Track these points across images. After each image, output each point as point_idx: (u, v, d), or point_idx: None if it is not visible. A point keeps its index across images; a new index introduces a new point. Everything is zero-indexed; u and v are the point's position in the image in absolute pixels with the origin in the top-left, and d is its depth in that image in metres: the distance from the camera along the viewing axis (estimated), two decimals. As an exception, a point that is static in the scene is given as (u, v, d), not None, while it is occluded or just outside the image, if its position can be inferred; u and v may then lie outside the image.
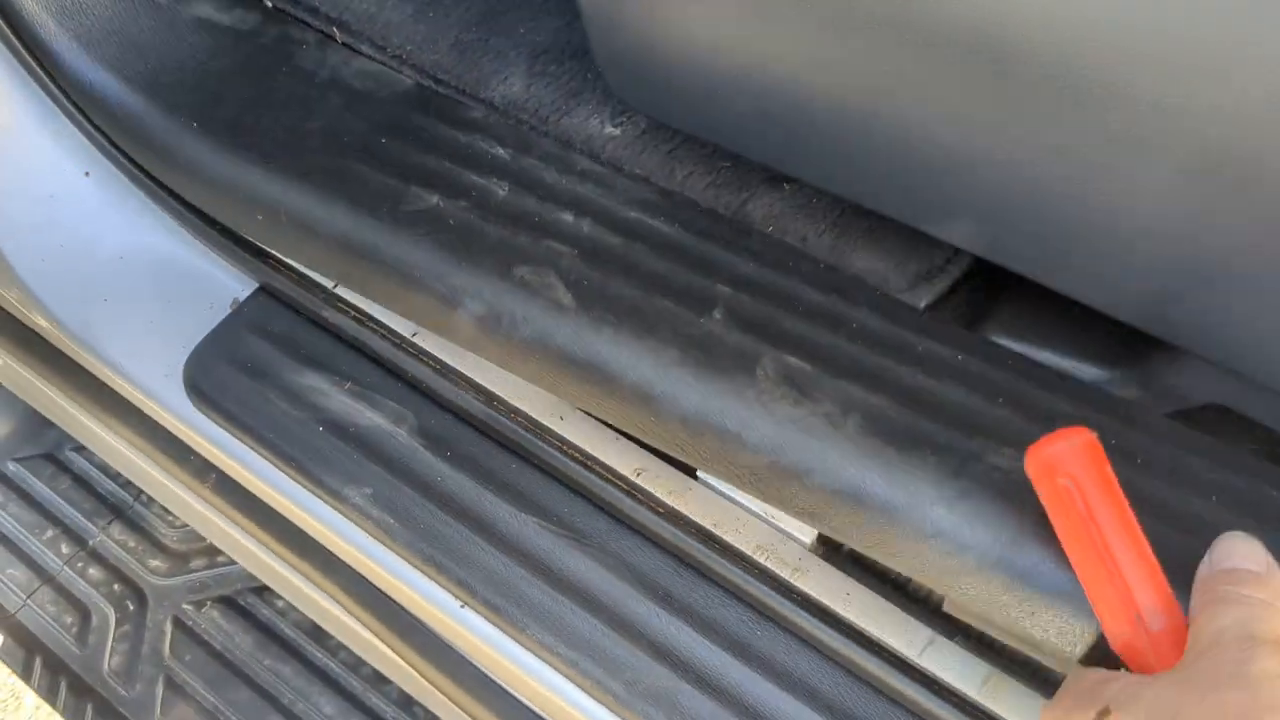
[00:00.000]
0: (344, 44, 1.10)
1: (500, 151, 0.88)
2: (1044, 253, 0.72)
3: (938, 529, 0.66)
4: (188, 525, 1.24)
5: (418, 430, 0.89)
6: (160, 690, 1.14)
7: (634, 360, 0.75)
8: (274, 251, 0.96)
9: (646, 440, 0.79)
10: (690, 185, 0.95)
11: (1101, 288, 0.71)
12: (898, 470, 0.68)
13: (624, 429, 0.80)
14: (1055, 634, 0.65)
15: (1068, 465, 0.59)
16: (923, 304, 0.87)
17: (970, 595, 0.67)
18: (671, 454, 0.78)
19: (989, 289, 0.88)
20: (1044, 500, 0.61)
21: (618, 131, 0.99)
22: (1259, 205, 0.58)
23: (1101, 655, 0.62)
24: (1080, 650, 0.65)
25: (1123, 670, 0.58)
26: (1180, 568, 0.59)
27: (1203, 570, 0.58)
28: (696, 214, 0.86)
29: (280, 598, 1.19)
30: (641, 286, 0.78)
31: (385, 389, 0.91)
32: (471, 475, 0.87)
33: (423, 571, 0.84)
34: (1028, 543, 0.64)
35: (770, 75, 0.78)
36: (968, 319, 0.87)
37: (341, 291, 0.95)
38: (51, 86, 0.98)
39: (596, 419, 0.87)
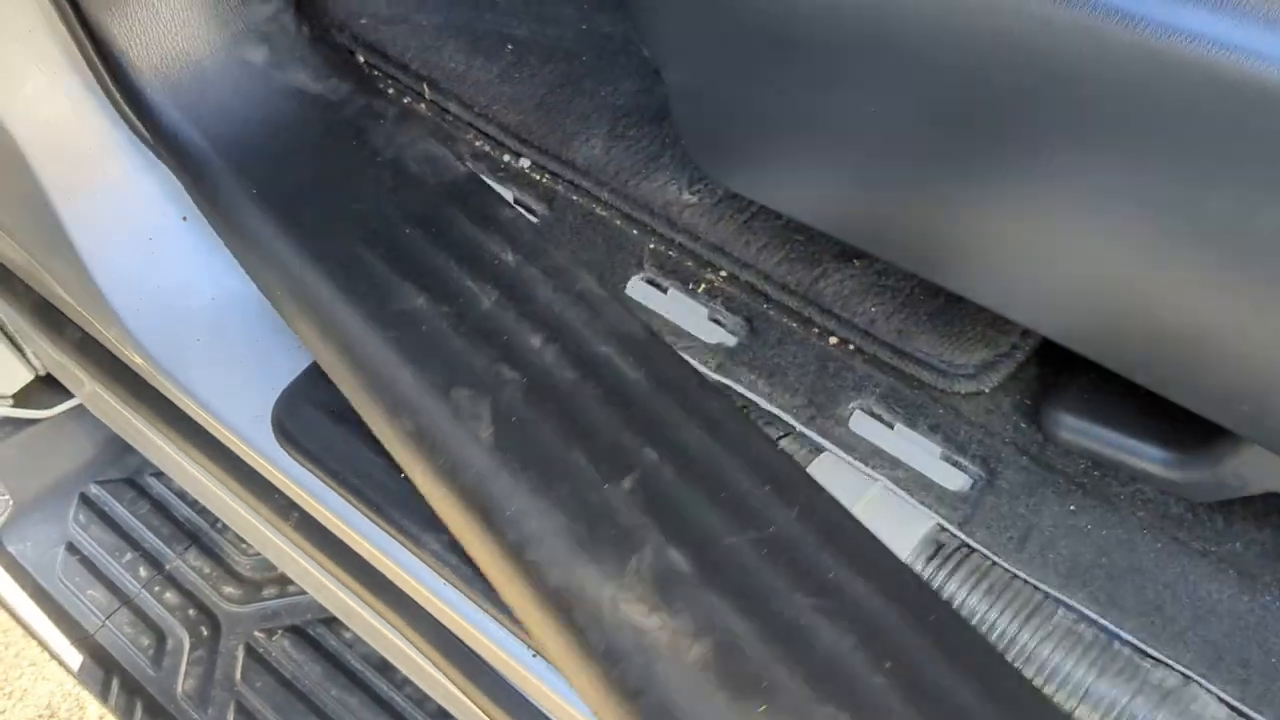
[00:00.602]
0: (431, 100, 1.15)
1: (509, 257, 0.90)
2: (1122, 346, 0.74)
3: None
4: (260, 554, 1.29)
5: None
6: (232, 715, 1.18)
7: (521, 515, 0.75)
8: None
9: (513, 609, 0.78)
10: (763, 259, 0.98)
11: (1177, 382, 0.73)
12: None
13: (496, 586, 0.79)
14: None
15: None
16: (989, 387, 0.90)
17: None
18: (528, 627, 0.77)
19: (1055, 369, 0.90)
20: None
21: (694, 199, 1.03)
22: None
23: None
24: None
25: None
26: None
27: None
28: (669, 360, 0.85)
29: (349, 629, 1.23)
30: (567, 436, 0.78)
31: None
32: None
33: (497, 620, 0.87)
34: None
35: (851, 154, 0.81)
36: (1032, 398, 0.90)
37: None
38: (149, 137, 1.03)
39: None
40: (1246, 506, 0.82)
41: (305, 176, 0.98)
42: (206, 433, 1.06)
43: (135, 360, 1.09)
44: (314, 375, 1.00)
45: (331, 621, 1.24)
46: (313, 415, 0.98)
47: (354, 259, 0.91)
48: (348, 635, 1.23)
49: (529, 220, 0.95)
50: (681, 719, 0.68)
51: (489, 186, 1.00)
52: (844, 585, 0.73)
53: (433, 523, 0.91)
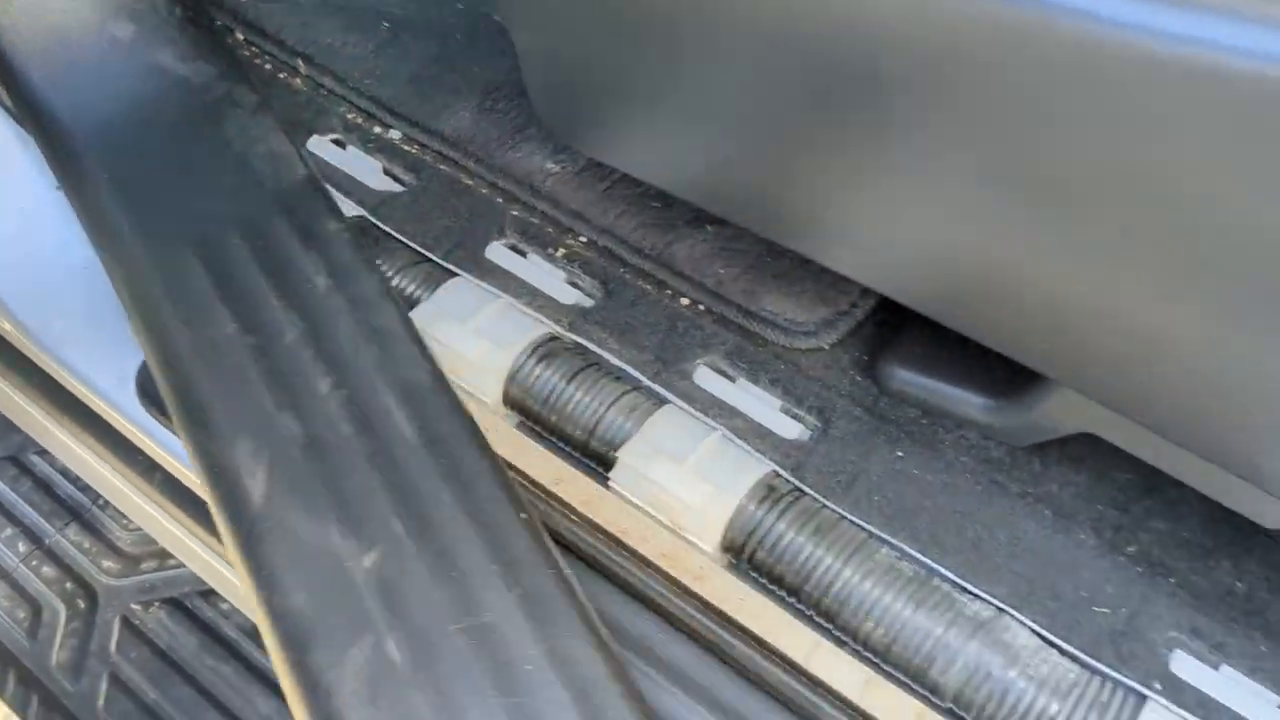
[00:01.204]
0: (307, 75, 1.17)
1: (320, 281, 0.90)
2: (950, 299, 0.78)
3: None
4: (140, 529, 1.29)
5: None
6: (104, 685, 1.19)
7: (270, 588, 0.76)
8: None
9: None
10: (620, 225, 1.01)
11: (997, 330, 0.77)
12: None
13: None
14: None
15: None
16: (828, 344, 0.94)
17: None
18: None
19: (889, 326, 0.94)
20: None
21: (557, 168, 1.06)
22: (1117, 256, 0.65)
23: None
24: None
25: None
26: None
27: None
28: (446, 413, 0.85)
29: (224, 601, 1.24)
30: (327, 505, 0.79)
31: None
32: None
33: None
34: None
35: (695, 115, 0.84)
36: (868, 353, 0.93)
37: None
38: (14, 106, 1.04)
39: (521, 429, 0.92)
40: (1063, 451, 0.86)
41: (158, 161, 0.99)
42: (75, 398, 1.07)
43: (5, 328, 1.10)
44: (179, 338, 1.01)
45: (209, 594, 1.25)
46: (175, 377, 0.99)
47: (183, 268, 0.91)
48: (224, 607, 1.24)
49: (348, 239, 0.95)
50: None
51: (322, 192, 0.99)
52: (534, 678, 0.73)
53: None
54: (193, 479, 0.97)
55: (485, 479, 0.81)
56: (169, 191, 0.96)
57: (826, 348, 0.93)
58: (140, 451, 1.03)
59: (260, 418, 0.83)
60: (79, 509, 1.33)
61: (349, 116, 1.14)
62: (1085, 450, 0.86)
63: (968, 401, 0.87)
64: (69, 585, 1.27)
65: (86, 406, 1.06)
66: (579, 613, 0.75)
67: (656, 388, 0.91)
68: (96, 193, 0.94)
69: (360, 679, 0.72)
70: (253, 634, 1.23)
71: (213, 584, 1.16)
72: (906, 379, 0.89)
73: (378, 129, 1.13)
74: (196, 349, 0.86)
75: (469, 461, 0.82)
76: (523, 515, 0.79)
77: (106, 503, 1.33)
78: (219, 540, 1.00)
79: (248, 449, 0.81)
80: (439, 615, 0.74)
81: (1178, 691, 0.74)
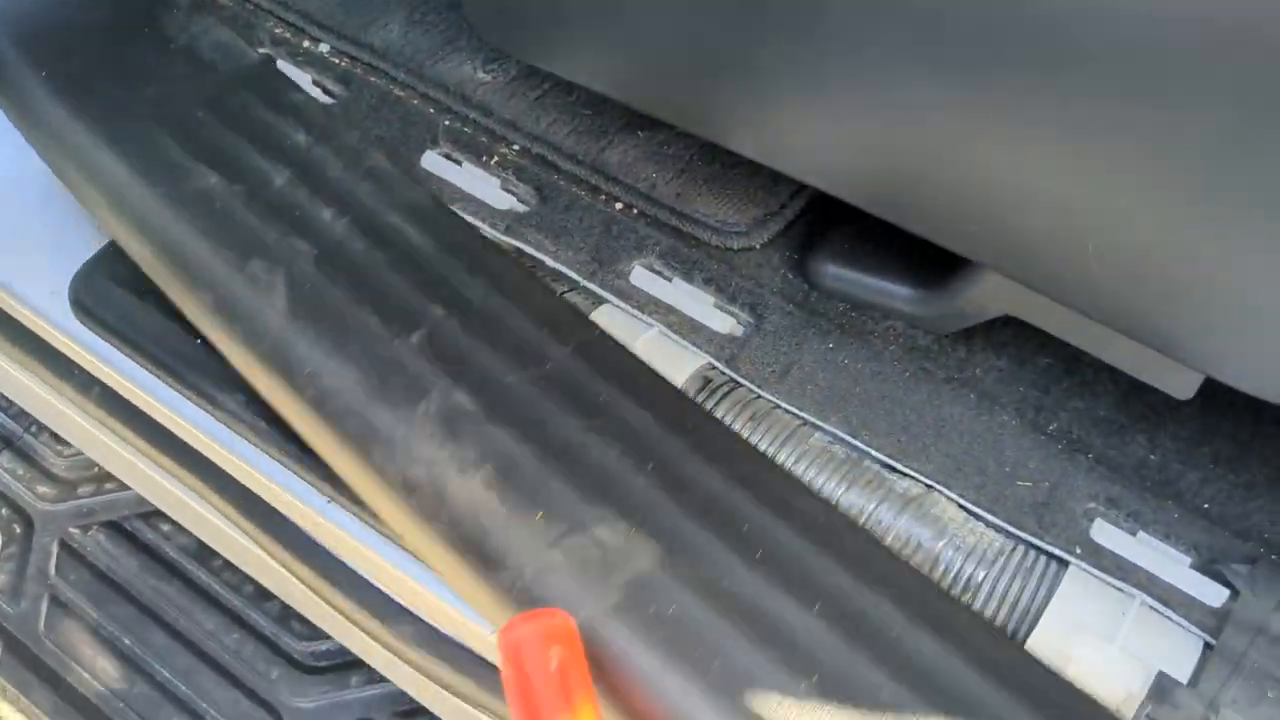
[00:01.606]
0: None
1: (300, 138, 0.94)
2: (879, 188, 0.81)
3: (527, 596, 0.71)
4: (77, 454, 1.28)
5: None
6: (45, 606, 1.19)
7: (319, 373, 0.79)
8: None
9: (322, 456, 0.82)
10: (553, 132, 1.02)
11: (922, 215, 0.80)
12: (502, 530, 0.72)
13: (305, 439, 0.83)
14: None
15: (534, 649, 0.62)
16: (760, 243, 0.96)
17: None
18: (338, 471, 0.82)
19: (818, 226, 0.97)
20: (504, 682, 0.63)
21: (488, 78, 1.06)
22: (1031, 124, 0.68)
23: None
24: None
25: None
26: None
27: None
28: (455, 226, 0.91)
29: (167, 522, 1.24)
30: (358, 299, 0.82)
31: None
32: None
33: (292, 470, 0.90)
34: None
35: (626, 10, 0.85)
36: (801, 251, 0.96)
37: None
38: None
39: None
40: (986, 338, 0.90)
41: (95, 61, 0.98)
42: (5, 314, 1.06)
43: (-71, 246, 1.08)
44: (111, 252, 1.01)
45: (149, 516, 1.25)
46: (110, 290, 0.99)
47: (147, 141, 0.92)
48: (165, 528, 1.24)
49: (320, 104, 0.97)
50: (470, 532, 0.74)
51: (281, 72, 1.02)
52: (611, 406, 0.79)
53: (232, 383, 0.93)
54: (134, 390, 0.97)
55: (512, 270, 0.88)
56: (116, 85, 0.96)
57: (758, 247, 0.96)
58: (76, 366, 1.02)
59: (264, 244, 0.85)
60: (10, 437, 1.32)
61: (276, 30, 1.13)
62: (1007, 337, 0.89)
63: (895, 293, 0.90)
64: (4, 512, 1.26)
65: (17, 323, 1.05)
66: (632, 359, 0.84)
67: (594, 287, 0.93)
68: (32, 91, 0.93)
69: (435, 424, 0.76)
70: (196, 554, 1.23)
71: (156, 502, 1.15)
72: (836, 274, 0.92)
73: (306, 43, 1.12)
74: (176, 202, 0.87)
75: (491, 259, 0.87)
76: (555, 294, 0.87)
77: (40, 429, 1.31)
78: (165, 455, 1.00)
79: (259, 267, 0.83)
80: (500, 371, 0.79)
81: (1097, 556, 0.78)
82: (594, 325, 0.86)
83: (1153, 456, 0.83)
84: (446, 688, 0.92)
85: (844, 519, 0.78)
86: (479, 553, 0.73)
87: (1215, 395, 0.82)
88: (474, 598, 0.76)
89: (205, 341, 0.95)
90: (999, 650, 0.72)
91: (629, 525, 0.72)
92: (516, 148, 1.03)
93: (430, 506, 0.76)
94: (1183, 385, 0.77)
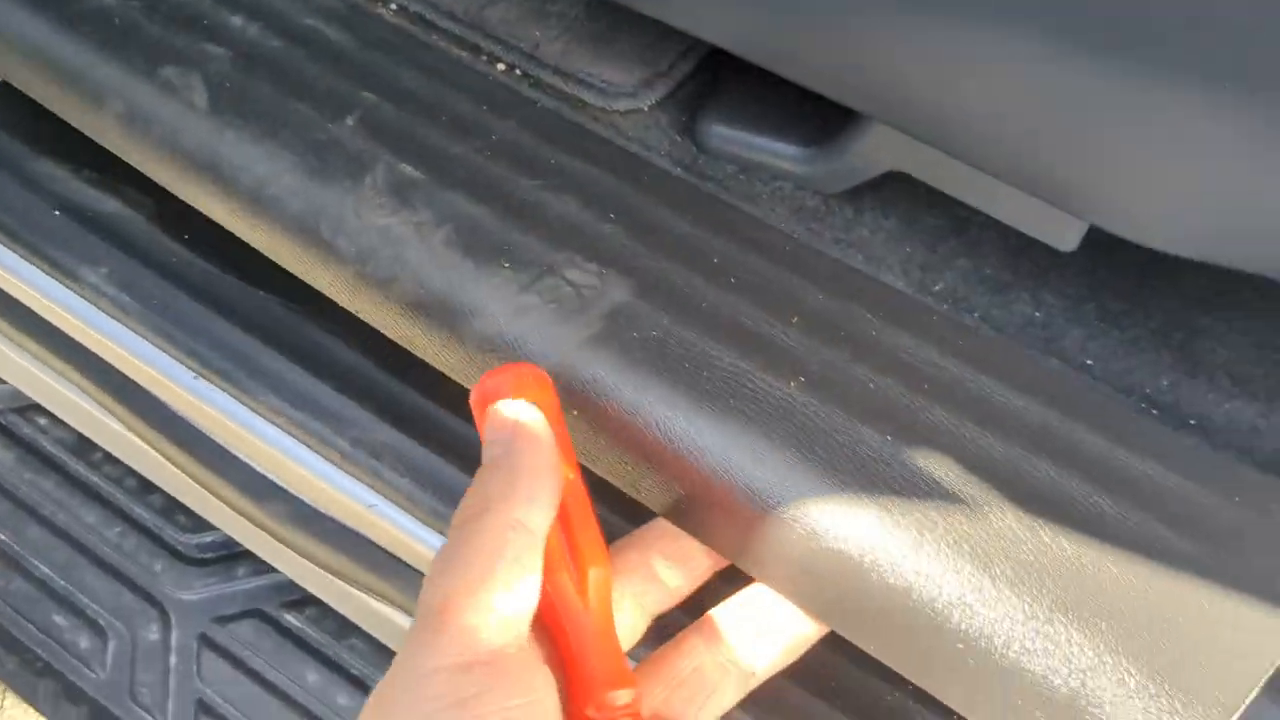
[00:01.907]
0: None
1: None
2: (767, 37, 0.79)
3: (502, 340, 0.70)
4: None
5: (156, 215, 0.91)
6: (-91, 503, 1.15)
7: (251, 163, 0.77)
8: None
9: (263, 251, 0.80)
10: (433, -13, 0.98)
11: (814, 66, 0.78)
12: (470, 283, 0.71)
13: (241, 235, 0.81)
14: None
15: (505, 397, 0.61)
16: (647, 105, 0.93)
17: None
18: (280, 263, 0.80)
19: (708, 87, 0.94)
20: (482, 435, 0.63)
21: (368, -67, 1.01)
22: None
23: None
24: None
25: None
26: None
27: None
28: (377, 24, 0.88)
29: (43, 415, 1.19)
30: (283, 91, 0.80)
31: (126, 175, 0.92)
32: (205, 256, 0.89)
33: (157, 345, 0.86)
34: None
35: None
36: (689, 113, 0.93)
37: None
38: None
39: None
40: (875, 196, 0.88)
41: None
42: None
43: None
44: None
45: (24, 410, 1.20)
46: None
47: None
48: (42, 422, 1.20)
49: None
50: (436, 289, 0.72)
51: None
52: (565, 167, 0.79)
53: (90, 253, 0.89)
54: (7, 279, 0.92)
55: (444, 60, 0.87)
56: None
57: (645, 109, 0.92)
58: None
59: (174, 51, 0.81)
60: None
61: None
62: (895, 196, 0.87)
63: (783, 153, 0.87)
64: None
65: None
66: (577, 128, 0.86)
67: (469, 149, 0.89)
68: None
69: (384, 194, 0.75)
70: (75, 448, 1.19)
71: (31, 394, 1.11)
72: (724, 135, 0.89)
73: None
74: (72, 23, 0.83)
75: (420, 53, 0.87)
76: (489, 78, 0.87)
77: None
78: (35, 342, 0.96)
79: (172, 73, 0.80)
80: (444, 143, 0.78)
81: (980, 412, 0.77)
82: (534, 101, 0.86)
83: (1037, 314, 0.82)
84: (326, 568, 0.90)
85: (810, 249, 0.80)
86: (446, 308, 0.72)
87: (1102, 252, 0.81)
88: (444, 360, 0.74)
89: (64, 211, 0.91)
90: (963, 338, 0.75)
91: (599, 266, 0.72)
92: (394, 6, 0.98)
93: (389, 270, 0.74)
94: (1067, 236, 0.76)
